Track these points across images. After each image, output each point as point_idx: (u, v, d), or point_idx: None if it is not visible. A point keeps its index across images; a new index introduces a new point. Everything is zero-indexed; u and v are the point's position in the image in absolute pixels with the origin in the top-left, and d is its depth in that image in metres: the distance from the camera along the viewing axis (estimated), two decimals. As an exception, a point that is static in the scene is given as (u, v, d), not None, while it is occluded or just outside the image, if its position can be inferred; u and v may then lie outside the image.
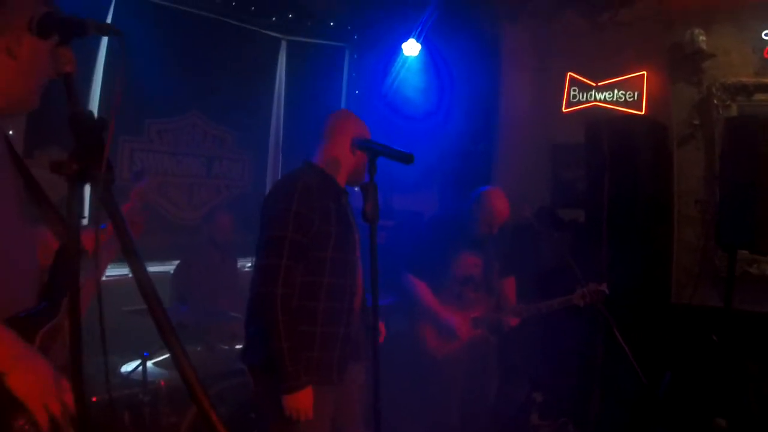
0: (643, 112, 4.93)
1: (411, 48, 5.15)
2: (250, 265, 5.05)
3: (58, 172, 1.13)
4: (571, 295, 3.66)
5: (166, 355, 3.18)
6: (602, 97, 5.14)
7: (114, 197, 1.12)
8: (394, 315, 3.83)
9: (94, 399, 2.42)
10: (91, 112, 1.17)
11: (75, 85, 1.20)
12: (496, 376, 4.20)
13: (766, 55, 4.41)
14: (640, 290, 4.30)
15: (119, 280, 4.06)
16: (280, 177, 5.36)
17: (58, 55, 1.22)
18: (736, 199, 3.37)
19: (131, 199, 1.89)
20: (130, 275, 1.15)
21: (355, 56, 5.62)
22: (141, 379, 2.97)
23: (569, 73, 5.25)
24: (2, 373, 1.27)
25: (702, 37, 4.52)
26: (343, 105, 5.65)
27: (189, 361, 1.01)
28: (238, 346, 3.71)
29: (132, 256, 1.08)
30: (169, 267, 4.47)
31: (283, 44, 5.32)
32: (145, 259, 1.80)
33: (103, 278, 1.73)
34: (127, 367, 3.19)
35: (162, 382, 3.00)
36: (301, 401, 2.24)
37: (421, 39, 5.15)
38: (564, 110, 5.30)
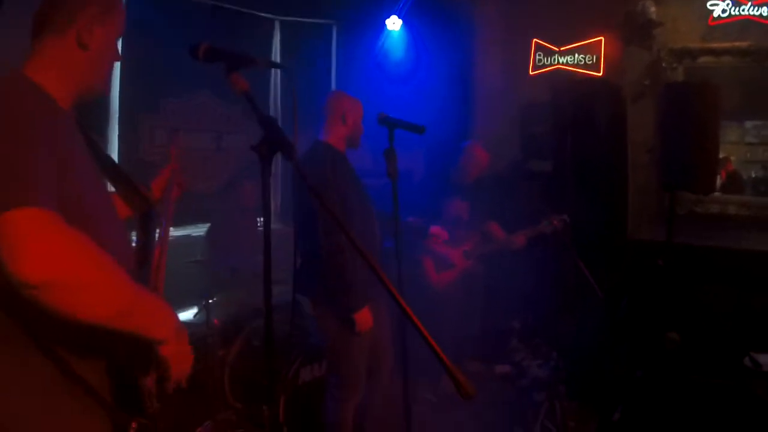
0: (600, 74, 5.46)
1: (394, 23, 5.69)
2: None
3: (256, 151, 1.51)
4: (538, 225, 4.31)
5: (214, 299, 3.81)
6: (564, 61, 5.65)
7: (300, 163, 1.50)
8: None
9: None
10: (272, 116, 1.53)
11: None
12: (481, 308, 4.94)
13: (710, 23, 4.93)
14: (601, 228, 4.85)
15: (179, 240, 4.69)
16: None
17: (233, 81, 1.56)
18: (674, 149, 3.88)
19: (171, 157, 2.15)
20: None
21: (342, 32, 6.13)
22: (204, 320, 3.58)
23: (534, 40, 5.74)
24: (163, 341, 1.36)
25: (652, 8, 5.05)
26: (333, 77, 6.17)
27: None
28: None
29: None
30: (184, 231, 5.09)
31: (277, 24, 5.81)
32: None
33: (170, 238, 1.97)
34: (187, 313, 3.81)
35: (215, 321, 3.63)
36: (365, 315, 2.99)
37: (402, 15, 5.68)
38: (531, 73, 5.81)
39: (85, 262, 1.17)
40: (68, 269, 1.14)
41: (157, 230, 1.85)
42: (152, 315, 1.33)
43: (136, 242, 1.72)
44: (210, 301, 3.62)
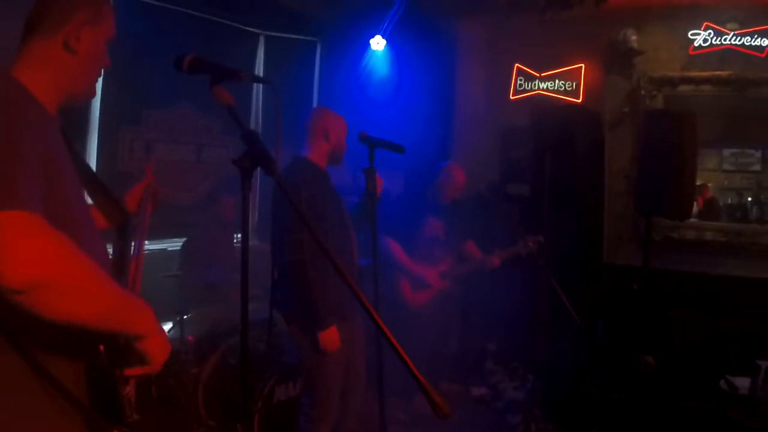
0: (580, 101, 5.53)
1: (377, 43, 5.72)
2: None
3: (237, 165, 1.51)
4: (515, 246, 4.35)
5: (189, 315, 3.75)
6: (545, 86, 5.72)
7: (281, 177, 1.52)
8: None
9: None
10: (254, 131, 1.54)
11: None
12: (458, 330, 4.93)
13: (690, 52, 5.03)
14: (577, 253, 4.93)
15: (155, 254, 4.64)
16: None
17: (217, 93, 1.56)
18: (652, 175, 3.92)
19: (147, 173, 2.14)
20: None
21: (326, 50, 6.16)
22: (179, 336, 3.48)
23: (516, 65, 5.80)
24: (143, 337, 1.33)
25: (633, 37, 5.13)
26: (315, 94, 6.18)
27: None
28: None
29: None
30: (160, 245, 5.00)
31: (261, 39, 5.82)
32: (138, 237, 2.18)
33: (145, 252, 1.91)
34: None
35: (190, 337, 3.57)
36: (331, 335, 2.91)
37: (386, 35, 5.71)
38: (512, 97, 5.85)
39: (70, 265, 1.15)
40: (54, 272, 1.11)
41: (133, 243, 1.83)
42: (134, 312, 1.31)
43: (113, 254, 1.70)
44: (185, 317, 3.55)
